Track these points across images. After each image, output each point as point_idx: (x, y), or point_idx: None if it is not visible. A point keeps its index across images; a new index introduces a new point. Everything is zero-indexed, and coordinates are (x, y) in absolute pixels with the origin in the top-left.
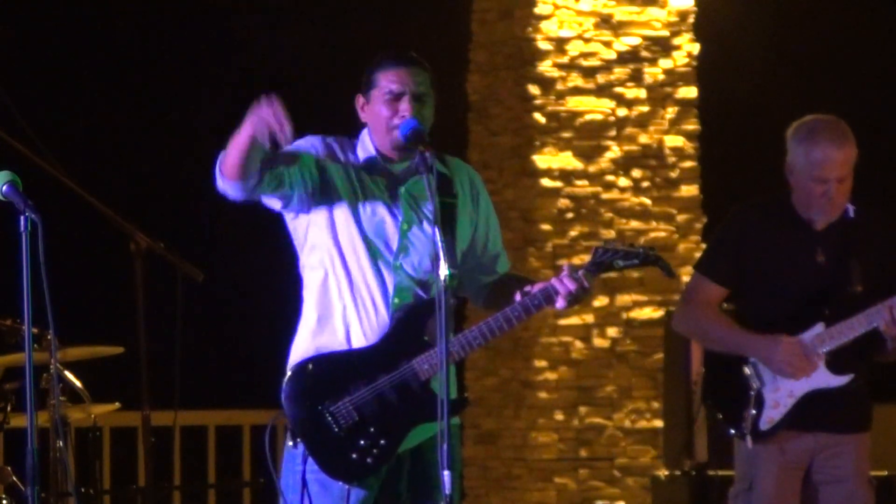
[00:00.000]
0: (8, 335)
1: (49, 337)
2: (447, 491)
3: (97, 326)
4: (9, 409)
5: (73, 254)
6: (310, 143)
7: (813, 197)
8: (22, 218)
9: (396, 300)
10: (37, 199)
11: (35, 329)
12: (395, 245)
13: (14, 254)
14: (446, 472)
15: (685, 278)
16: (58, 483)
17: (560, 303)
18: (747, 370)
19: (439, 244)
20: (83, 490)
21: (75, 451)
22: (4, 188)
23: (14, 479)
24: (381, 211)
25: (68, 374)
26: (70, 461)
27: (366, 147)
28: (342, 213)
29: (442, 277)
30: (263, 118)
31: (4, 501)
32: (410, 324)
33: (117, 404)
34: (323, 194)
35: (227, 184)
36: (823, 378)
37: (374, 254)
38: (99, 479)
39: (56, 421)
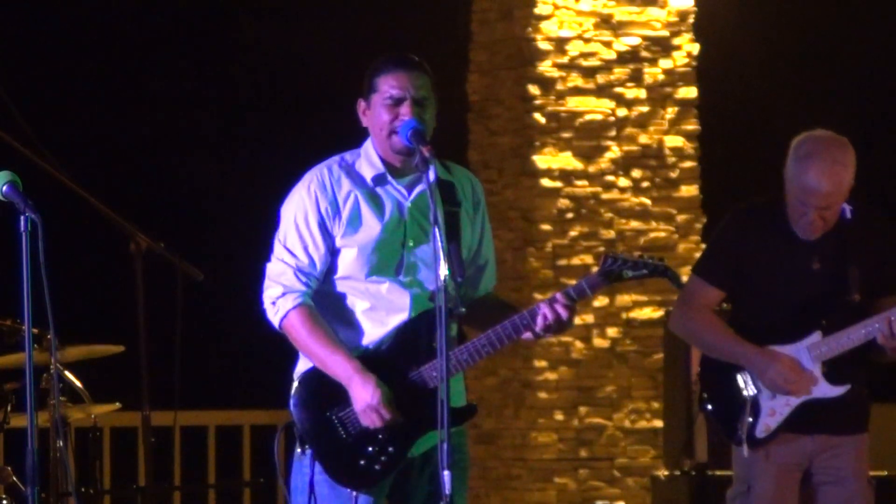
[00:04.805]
0: (8, 335)
1: (49, 337)
2: (447, 491)
3: (97, 326)
4: (9, 409)
5: (73, 254)
6: (316, 221)
7: (796, 214)
8: (22, 218)
9: (414, 314)
10: (37, 199)
11: (35, 329)
12: (404, 265)
13: (14, 254)
14: (446, 472)
15: (685, 279)
16: (58, 483)
17: (538, 328)
18: (743, 378)
19: (440, 245)
20: (83, 490)
21: (75, 451)
22: (4, 188)
23: (14, 479)
24: (389, 234)
25: (68, 374)
26: (70, 461)
27: (371, 160)
28: (354, 245)
29: (442, 277)
30: (371, 417)
31: (4, 501)
32: (419, 332)
33: (117, 404)
34: (334, 251)
35: (274, 324)
36: (821, 389)
37: (385, 274)
38: (99, 479)
39: (56, 421)
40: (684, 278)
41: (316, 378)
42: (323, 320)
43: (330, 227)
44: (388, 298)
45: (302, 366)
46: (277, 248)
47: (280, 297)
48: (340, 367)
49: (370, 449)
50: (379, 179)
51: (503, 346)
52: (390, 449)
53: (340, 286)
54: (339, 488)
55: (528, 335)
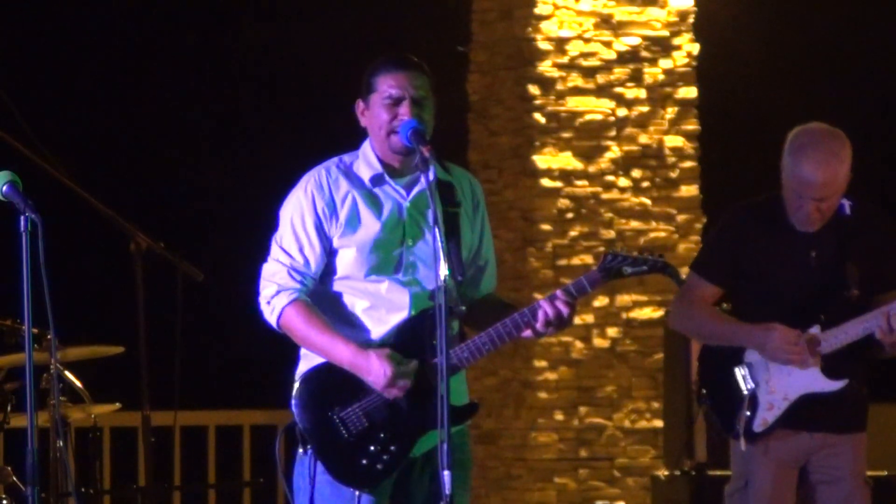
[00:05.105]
0: (8, 335)
1: (49, 337)
2: (447, 491)
3: (97, 326)
4: (9, 409)
5: (73, 254)
6: (312, 222)
7: (792, 207)
8: (22, 218)
9: (414, 312)
10: (37, 199)
11: (35, 329)
12: (403, 264)
13: (14, 254)
14: (446, 472)
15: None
16: (58, 483)
17: (539, 324)
18: (741, 372)
19: (439, 245)
20: (83, 490)
21: (75, 451)
22: (4, 188)
23: (14, 479)
24: (388, 234)
25: (68, 374)
26: (70, 461)
27: (369, 161)
28: (352, 245)
29: (442, 277)
30: (385, 388)
31: (4, 501)
32: (419, 330)
33: (117, 404)
34: (331, 252)
35: (271, 323)
36: (819, 383)
37: (385, 273)
38: (99, 479)
39: (56, 421)
40: (684, 276)
41: (317, 378)
42: (320, 312)
43: (327, 228)
44: (387, 297)
45: (303, 366)
46: (273, 249)
47: (275, 296)
48: (342, 353)
49: (372, 448)
50: (377, 180)
51: (504, 344)
52: (392, 448)
53: (339, 286)
54: (341, 488)
55: (528, 333)
